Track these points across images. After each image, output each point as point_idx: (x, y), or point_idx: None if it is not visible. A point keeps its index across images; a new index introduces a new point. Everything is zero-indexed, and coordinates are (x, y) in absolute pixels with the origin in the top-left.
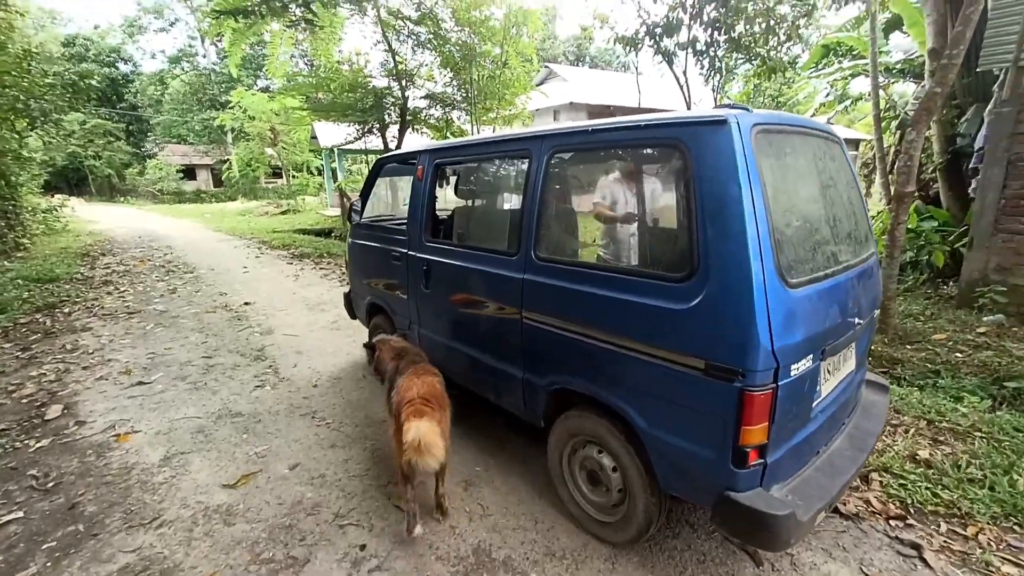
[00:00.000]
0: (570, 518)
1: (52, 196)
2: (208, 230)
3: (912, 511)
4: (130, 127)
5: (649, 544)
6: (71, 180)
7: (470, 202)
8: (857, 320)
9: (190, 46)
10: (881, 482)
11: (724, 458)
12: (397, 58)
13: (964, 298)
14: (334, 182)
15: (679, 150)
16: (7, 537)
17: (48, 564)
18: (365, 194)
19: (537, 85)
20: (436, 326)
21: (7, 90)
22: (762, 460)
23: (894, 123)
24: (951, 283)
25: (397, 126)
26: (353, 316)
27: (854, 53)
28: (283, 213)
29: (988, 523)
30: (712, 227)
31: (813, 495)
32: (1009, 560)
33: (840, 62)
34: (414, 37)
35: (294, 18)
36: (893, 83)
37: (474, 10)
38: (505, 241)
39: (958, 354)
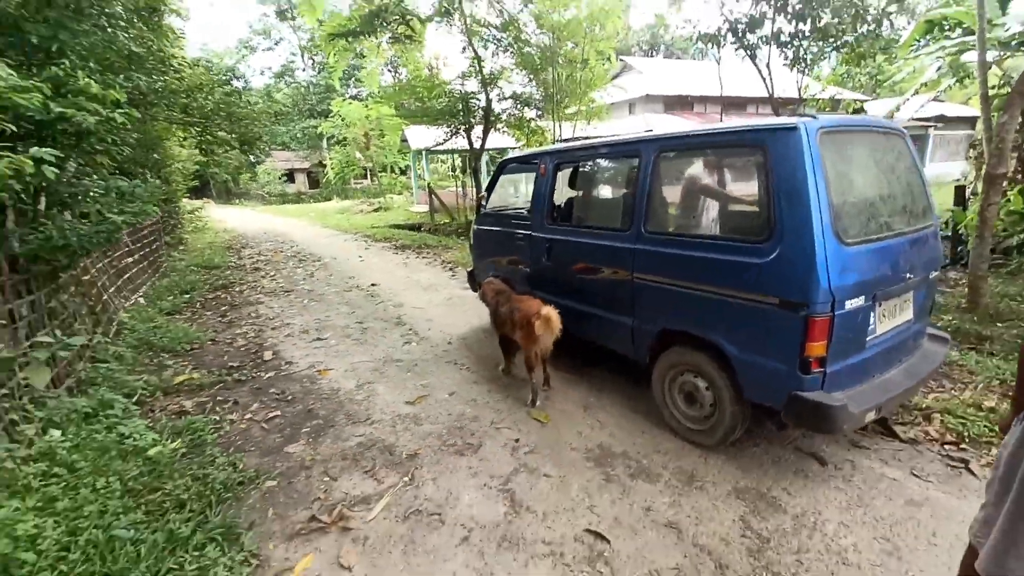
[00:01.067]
0: (669, 430)
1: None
2: (317, 227)
3: (967, 440)
4: (238, 139)
5: (734, 449)
6: (193, 186)
7: (586, 192)
8: (909, 275)
9: (291, 61)
10: (942, 420)
11: (793, 367)
12: (481, 63)
13: None
14: (418, 181)
15: (761, 149)
16: (277, 424)
17: (310, 439)
18: (490, 189)
19: (612, 79)
20: (556, 291)
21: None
22: (822, 369)
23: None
24: None
25: (481, 127)
26: (476, 290)
27: (964, 27)
28: (375, 211)
29: None
30: (785, 202)
31: (864, 400)
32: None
33: (948, 36)
34: (496, 43)
35: (396, 34)
36: (1008, 56)
37: (554, 12)
38: (619, 220)
39: None
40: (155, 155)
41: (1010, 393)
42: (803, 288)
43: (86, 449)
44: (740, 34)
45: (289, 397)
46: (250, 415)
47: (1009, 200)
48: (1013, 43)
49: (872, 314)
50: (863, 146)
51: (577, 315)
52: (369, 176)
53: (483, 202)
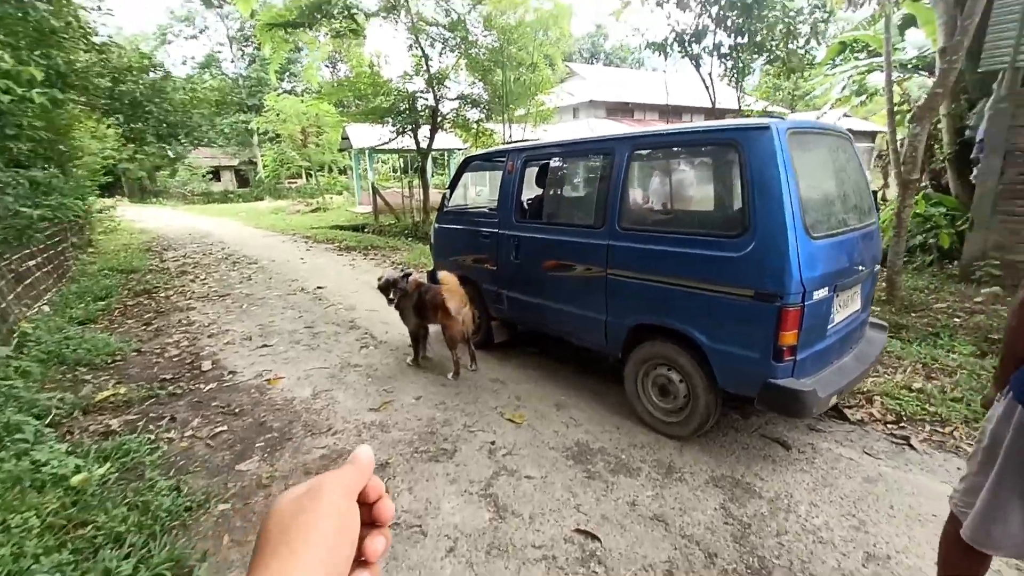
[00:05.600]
0: (643, 424)
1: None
2: (249, 227)
3: (904, 419)
4: (166, 129)
5: (706, 439)
6: (103, 183)
7: (557, 189)
8: (861, 267)
9: (218, 52)
10: (882, 402)
11: (767, 356)
12: (428, 62)
13: (964, 273)
14: (360, 181)
15: (735, 147)
16: (225, 441)
17: (265, 455)
18: (453, 186)
19: (559, 83)
20: (524, 289)
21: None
22: (793, 357)
23: (908, 116)
24: (955, 263)
25: (429, 127)
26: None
27: (870, 50)
28: (313, 211)
29: (962, 424)
30: (759, 198)
31: (828, 385)
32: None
33: (857, 58)
34: (443, 42)
35: (340, 29)
36: (908, 78)
37: (503, 15)
38: (592, 217)
39: (956, 319)
40: (61, 146)
41: (932, 376)
42: (777, 280)
43: None
44: (686, 43)
45: (236, 410)
46: (191, 432)
47: (915, 204)
48: (910, 66)
49: (833, 304)
50: (822, 147)
51: (548, 312)
52: (305, 175)
53: (445, 199)
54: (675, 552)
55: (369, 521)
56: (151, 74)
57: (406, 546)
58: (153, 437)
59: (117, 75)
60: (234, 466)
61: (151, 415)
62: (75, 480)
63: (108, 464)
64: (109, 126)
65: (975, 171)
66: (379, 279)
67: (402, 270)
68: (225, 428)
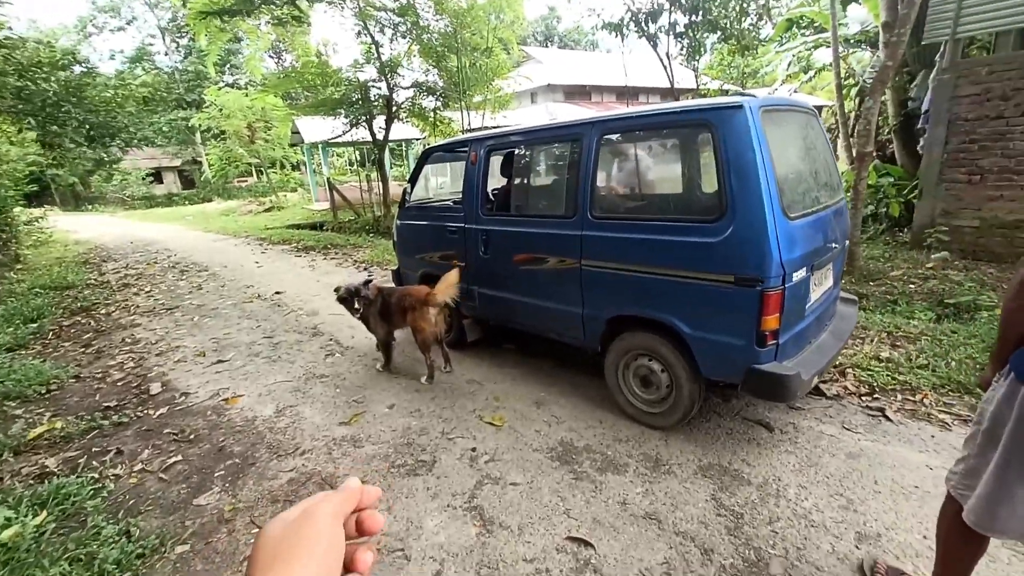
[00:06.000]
0: (627, 417)
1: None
2: (198, 231)
3: (877, 390)
4: (91, 132)
5: (690, 427)
6: (28, 192)
7: (525, 179)
8: (834, 244)
9: (150, 44)
10: (854, 374)
11: (750, 342)
12: (380, 50)
13: (915, 240)
14: (315, 177)
15: (708, 128)
16: (179, 472)
17: (226, 484)
18: (413, 180)
19: (515, 67)
20: (495, 284)
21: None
22: (775, 341)
23: (854, 90)
24: (905, 230)
25: (384, 117)
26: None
27: (816, 26)
28: (267, 210)
29: (931, 391)
30: (736, 180)
31: (810, 365)
32: (943, 411)
33: (803, 34)
34: (394, 28)
35: (282, 16)
36: (852, 53)
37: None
38: (562, 207)
39: (911, 285)
40: None
41: (897, 344)
42: (758, 264)
43: None
44: (643, 23)
45: (191, 436)
46: (141, 465)
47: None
48: (853, 41)
49: (810, 284)
50: (792, 124)
51: (521, 308)
52: (256, 173)
53: (407, 194)
54: (671, 551)
55: (356, 533)
56: (73, 70)
57: (388, 573)
58: (97, 475)
59: (24, 72)
60: (191, 501)
61: (94, 450)
62: (5, 535)
63: (44, 512)
64: (20, 130)
65: (921, 141)
66: (337, 290)
67: (365, 269)
68: (179, 458)
